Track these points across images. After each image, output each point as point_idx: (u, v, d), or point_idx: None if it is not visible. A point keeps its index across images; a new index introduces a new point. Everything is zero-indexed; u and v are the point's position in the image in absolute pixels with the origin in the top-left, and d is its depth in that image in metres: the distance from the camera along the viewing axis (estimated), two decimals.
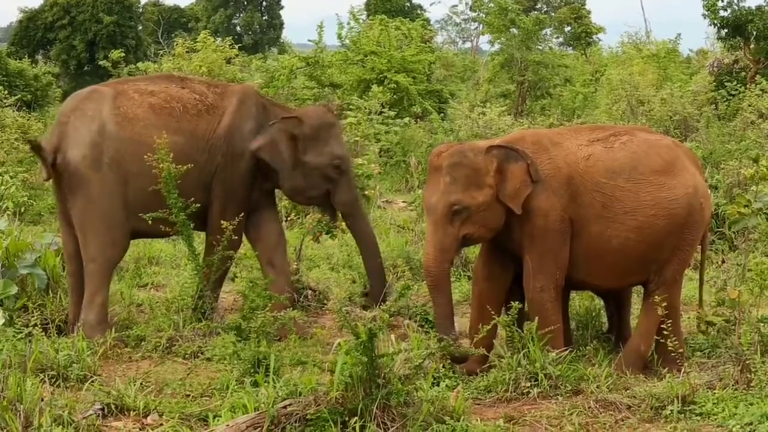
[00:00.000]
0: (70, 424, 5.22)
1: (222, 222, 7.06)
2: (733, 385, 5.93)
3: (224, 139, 7.38)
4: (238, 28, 51.11)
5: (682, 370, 6.04)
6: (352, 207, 7.81)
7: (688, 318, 7.87)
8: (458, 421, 5.38)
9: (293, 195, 7.90)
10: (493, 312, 6.43)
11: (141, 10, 43.88)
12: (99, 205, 6.99)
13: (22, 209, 11.74)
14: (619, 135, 6.69)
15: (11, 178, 12.19)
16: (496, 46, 26.43)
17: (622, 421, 5.65)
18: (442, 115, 20.01)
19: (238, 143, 7.42)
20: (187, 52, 21.05)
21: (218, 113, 7.40)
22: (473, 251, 9.25)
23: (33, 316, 6.42)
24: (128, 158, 7.04)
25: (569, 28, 37.48)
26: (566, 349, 6.39)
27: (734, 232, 9.71)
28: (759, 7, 22.03)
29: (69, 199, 7.05)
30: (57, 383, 5.97)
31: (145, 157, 6.91)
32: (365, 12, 36.47)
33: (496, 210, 6.49)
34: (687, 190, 6.54)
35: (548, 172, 6.48)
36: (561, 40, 38.31)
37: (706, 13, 22.13)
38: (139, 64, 23.27)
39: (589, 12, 38.69)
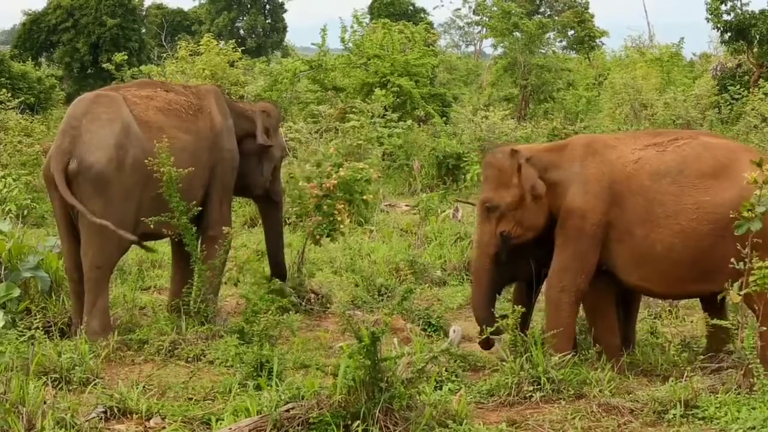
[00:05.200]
0: (73, 427, 5.22)
1: (220, 216, 7.60)
2: (735, 390, 5.92)
3: (220, 136, 7.66)
4: (241, 32, 51.16)
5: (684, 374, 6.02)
6: (281, 196, 8.47)
7: (692, 322, 7.87)
8: (461, 425, 5.37)
9: (256, 186, 8.13)
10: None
11: (144, 12, 43.92)
12: (116, 208, 6.97)
13: (25, 212, 11.74)
14: (680, 139, 6.59)
15: (14, 180, 12.19)
16: (499, 50, 26.52)
17: (625, 425, 5.63)
18: (445, 118, 20.04)
19: (228, 139, 7.73)
20: (190, 55, 21.13)
21: (206, 112, 7.66)
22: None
23: (36, 319, 6.41)
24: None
25: (572, 31, 37.49)
26: (569, 353, 6.39)
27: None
28: (762, 11, 22.05)
29: (83, 202, 6.90)
30: (60, 386, 5.97)
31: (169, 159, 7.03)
32: (368, 15, 36.55)
33: (531, 209, 6.61)
34: (736, 195, 6.22)
35: (592, 175, 6.51)
36: (564, 43, 38.33)
37: (710, 16, 22.14)
38: (142, 67, 23.32)
39: (592, 16, 38.71)
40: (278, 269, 8.24)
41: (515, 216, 6.65)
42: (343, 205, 8.16)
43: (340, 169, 8.28)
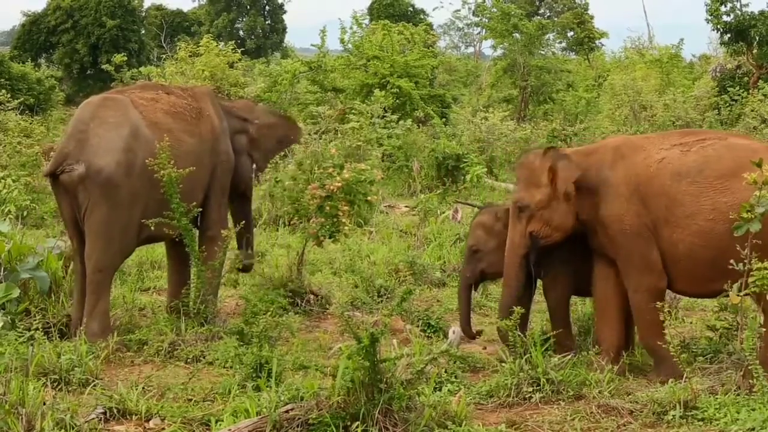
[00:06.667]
0: (73, 428, 5.22)
1: (219, 217, 7.71)
2: (735, 391, 5.92)
3: (219, 139, 7.72)
4: (240, 33, 51.16)
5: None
6: (252, 191, 8.55)
7: (691, 323, 7.87)
8: (460, 426, 5.37)
9: (242, 182, 8.17)
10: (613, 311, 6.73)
11: (144, 14, 43.96)
12: (123, 212, 6.99)
13: (25, 213, 11.74)
14: (707, 139, 6.62)
15: (14, 181, 12.19)
16: (499, 51, 26.48)
17: (624, 426, 5.64)
18: (444, 119, 20.01)
19: (224, 141, 7.80)
20: (189, 56, 21.11)
21: (206, 114, 7.71)
22: None
23: (35, 320, 6.40)
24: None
25: (572, 33, 37.51)
26: (666, 346, 6.20)
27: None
28: (762, 12, 22.03)
29: (90, 206, 6.93)
30: (59, 387, 5.97)
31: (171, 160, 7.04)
32: (368, 17, 36.55)
33: (558, 209, 6.70)
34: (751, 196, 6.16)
35: (621, 178, 6.58)
36: (564, 45, 38.33)
37: (709, 18, 22.12)
38: (142, 69, 23.31)
39: (591, 17, 38.75)
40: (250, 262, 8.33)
41: (543, 215, 6.74)
42: (346, 207, 8.16)
43: (343, 170, 8.26)
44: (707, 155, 6.46)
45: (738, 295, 6.15)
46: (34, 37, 39.52)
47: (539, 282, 7.14)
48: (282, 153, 8.70)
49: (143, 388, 6.01)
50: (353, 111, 17.56)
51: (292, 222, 10.73)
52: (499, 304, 7.08)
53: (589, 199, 6.66)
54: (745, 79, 22.27)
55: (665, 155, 6.54)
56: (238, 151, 7.99)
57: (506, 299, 6.92)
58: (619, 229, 6.55)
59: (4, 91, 18.67)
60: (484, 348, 7.35)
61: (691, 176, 6.42)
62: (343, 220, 8.11)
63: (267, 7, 52.75)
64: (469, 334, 7.28)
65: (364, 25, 23.99)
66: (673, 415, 5.64)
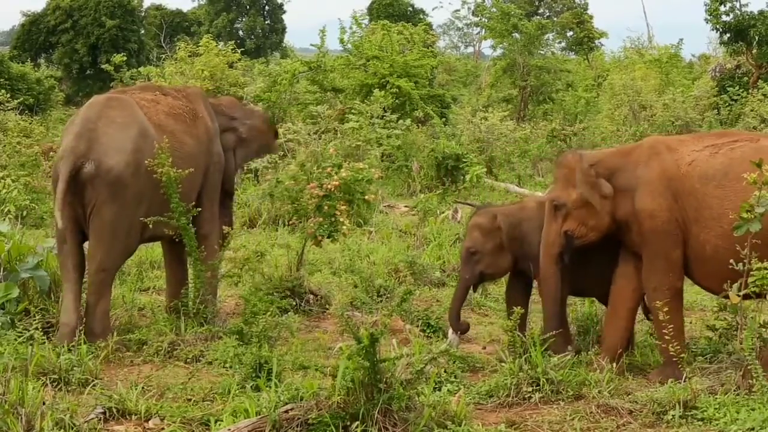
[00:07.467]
0: (72, 428, 5.22)
1: (211, 215, 7.72)
2: (734, 391, 5.92)
3: (213, 141, 7.77)
4: (240, 33, 51.15)
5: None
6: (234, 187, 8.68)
7: (690, 322, 7.87)
8: (460, 426, 5.38)
9: (229, 179, 8.20)
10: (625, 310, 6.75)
11: (143, 14, 43.92)
12: (130, 212, 7.00)
13: (24, 213, 11.75)
14: (738, 141, 6.62)
15: (13, 181, 12.19)
16: (499, 51, 26.48)
17: (624, 426, 5.64)
18: (444, 119, 20.00)
19: (217, 142, 7.85)
20: (189, 56, 21.08)
21: (200, 116, 7.74)
22: None
23: (35, 320, 6.39)
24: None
25: (572, 33, 37.48)
26: (683, 351, 6.27)
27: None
28: (761, 12, 22.05)
29: (97, 206, 6.91)
30: (59, 387, 5.97)
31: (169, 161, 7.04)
32: (367, 17, 36.55)
33: (592, 209, 6.69)
34: None
35: (655, 175, 6.58)
36: (563, 45, 38.30)
37: (709, 17, 22.13)
38: (141, 69, 23.28)
39: (591, 17, 38.71)
40: None
41: (578, 215, 6.74)
42: (344, 206, 8.16)
43: (341, 169, 8.26)
44: (733, 158, 6.48)
45: (737, 295, 6.16)
46: (33, 37, 39.49)
47: (535, 282, 7.16)
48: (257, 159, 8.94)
49: (143, 388, 6.02)
50: (353, 111, 17.55)
51: (291, 222, 10.73)
52: (546, 316, 6.95)
53: (626, 199, 6.66)
54: (745, 78, 22.29)
55: (695, 157, 6.57)
56: (225, 148, 8.00)
57: (548, 303, 6.89)
58: (651, 225, 6.54)
59: (3, 91, 18.65)
60: (484, 348, 7.36)
61: (717, 179, 6.45)
62: (341, 220, 8.11)
63: (267, 7, 52.74)
64: (456, 327, 7.23)
65: (363, 25, 23.97)
66: (672, 415, 5.64)
